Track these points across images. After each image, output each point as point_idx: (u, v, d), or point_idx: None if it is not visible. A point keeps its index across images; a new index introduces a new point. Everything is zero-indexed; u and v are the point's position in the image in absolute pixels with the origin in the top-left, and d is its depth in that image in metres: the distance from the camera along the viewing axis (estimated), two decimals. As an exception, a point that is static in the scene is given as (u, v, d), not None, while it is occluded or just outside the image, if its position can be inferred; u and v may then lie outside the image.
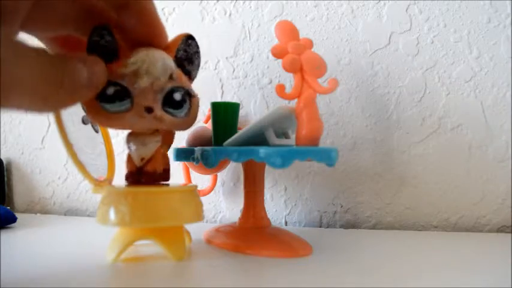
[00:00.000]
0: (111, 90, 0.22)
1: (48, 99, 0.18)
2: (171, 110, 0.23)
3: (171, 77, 0.23)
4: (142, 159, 0.25)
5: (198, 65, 0.26)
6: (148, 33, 0.23)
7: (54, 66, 0.18)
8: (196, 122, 0.26)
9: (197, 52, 0.25)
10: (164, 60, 0.23)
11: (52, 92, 0.18)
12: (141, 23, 0.22)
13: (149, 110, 0.22)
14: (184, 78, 0.24)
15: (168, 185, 0.26)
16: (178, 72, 0.24)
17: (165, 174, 0.26)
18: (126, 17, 0.22)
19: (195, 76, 0.26)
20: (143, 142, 0.24)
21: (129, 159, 0.25)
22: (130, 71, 0.22)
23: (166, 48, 0.24)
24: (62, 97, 0.18)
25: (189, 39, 0.25)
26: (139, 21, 0.22)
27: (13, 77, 0.16)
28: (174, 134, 0.27)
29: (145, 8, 0.22)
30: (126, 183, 0.25)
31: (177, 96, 0.23)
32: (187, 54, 0.25)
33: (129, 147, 0.25)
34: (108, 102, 0.22)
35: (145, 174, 0.25)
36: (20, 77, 0.16)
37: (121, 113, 0.22)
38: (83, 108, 0.27)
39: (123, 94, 0.22)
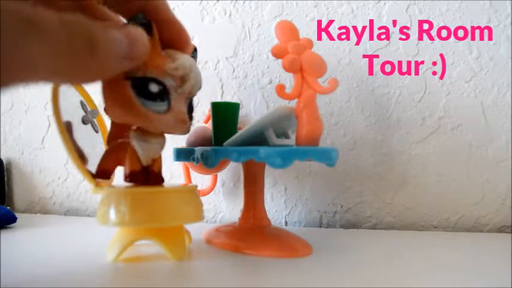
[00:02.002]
0: (155, 89, 0.21)
1: (75, 71, 0.17)
2: (190, 116, 0.24)
3: (199, 89, 0.24)
4: (152, 159, 0.25)
5: None
6: (172, 41, 0.23)
7: (84, 35, 0.16)
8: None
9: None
10: (199, 71, 0.24)
11: (79, 63, 0.16)
12: (164, 31, 0.22)
13: (191, 117, 0.24)
14: None
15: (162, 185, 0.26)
16: None
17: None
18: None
19: None
20: (154, 142, 0.24)
21: (133, 158, 0.25)
22: (179, 74, 0.22)
23: None
24: (93, 69, 0.17)
25: (194, 51, 0.25)
26: (161, 29, 0.22)
27: (24, 53, 0.14)
28: None
29: (163, 15, 0.22)
30: (130, 183, 0.25)
31: (192, 104, 0.24)
32: None
33: (137, 146, 0.24)
34: (149, 99, 0.21)
35: (152, 174, 0.25)
36: (32, 53, 0.15)
37: (157, 114, 0.22)
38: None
39: (164, 95, 0.22)
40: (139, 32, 0.19)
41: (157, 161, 0.25)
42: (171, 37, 0.23)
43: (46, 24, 0.15)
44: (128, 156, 0.25)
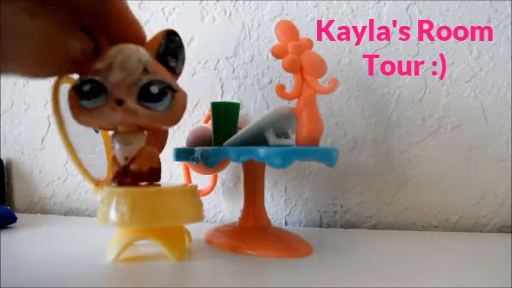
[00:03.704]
0: (87, 87, 0.22)
1: (41, 66, 0.20)
2: (147, 104, 0.22)
3: (145, 70, 0.22)
4: (126, 158, 0.24)
5: (183, 60, 0.25)
6: (124, 31, 0.23)
7: (49, 36, 0.19)
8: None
9: (180, 47, 0.25)
10: (138, 54, 0.23)
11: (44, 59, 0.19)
12: (115, 23, 0.23)
13: (119, 102, 0.22)
14: (165, 72, 0.24)
15: (159, 185, 0.26)
16: (156, 66, 0.23)
17: (153, 174, 0.26)
18: (101, 19, 0.23)
19: (181, 71, 0.25)
20: (127, 141, 0.24)
21: (114, 159, 0.25)
22: (104, 65, 0.22)
23: (147, 43, 0.24)
24: (50, 68, 0.20)
25: (171, 34, 0.24)
26: (113, 21, 0.23)
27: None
28: (165, 134, 0.27)
29: (117, 8, 0.23)
30: (114, 184, 0.25)
31: (154, 89, 0.22)
32: (169, 49, 0.24)
33: (113, 147, 0.25)
34: (85, 99, 0.22)
35: (131, 173, 0.25)
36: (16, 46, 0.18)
37: (98, 109, 0.22)
38: None
39: (98, 90, 0.22)
40: (88, 46, 0.22)
41: (138, 160, 0.25)
42: (125, 30, 0.23)
43: (24, 29, 0.18)
44: (112, 160, 0.25)
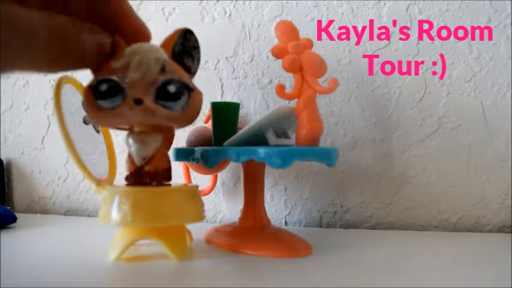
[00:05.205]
0: (104, 87, 0.22)
1: (50, 64, 0.19)
2: (165, 103, 0.22)
3: (163, 69, 0.22)
4: (143, 158, 0.25)
5: (198, 60, 0.25)
6: (129, 34, 0.23)
7: (57, 32, 0.19)
8: (197, 119, 0.25)
9: (196, 46, 0.25)
10: (156, 53, 0.22)
11: (53, 57, 0.19)
12: (122, 25, 0.23)
13: (138, 101, 0.22)
14: (181, 71, 0.24)
15: (170, 184, 0.26)
16: (173, 65, 0.23)
17: (166, 174, 0.26)
18: (106, 23, 0.23)
19: (196, 71, 0.25)
20: (143, 141, 0.24)
21: (130, 159, 0.25)
22: (121, 65, 0.22)
23: (163, 42, 0.24)
24: (61, 64, 0.20)
25: (187, 33, 0.24)
26: (118, 24, 0.23)
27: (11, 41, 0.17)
28: (173, 134, 0.27)
29: (121, 9, 0.23)
30: (127, 184, 0.25)
31: (172, 88, 0.22)
32: (185, 48, 0.24)
33: (129, 147, 0.25)
34: (102, 98, 0.22)
35: (147, 173, 0.25)
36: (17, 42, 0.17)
37: (115, 109, 0.22)
38: (85, 108, 0.27)
39: (115, 90, 0.22)
40: (105, 40, 0.22)
41: (154, 160, 0.25)
42: (133, 34, 0.23)
43: (27, 24, 0.18)
44: (127, 159, 0.25)
